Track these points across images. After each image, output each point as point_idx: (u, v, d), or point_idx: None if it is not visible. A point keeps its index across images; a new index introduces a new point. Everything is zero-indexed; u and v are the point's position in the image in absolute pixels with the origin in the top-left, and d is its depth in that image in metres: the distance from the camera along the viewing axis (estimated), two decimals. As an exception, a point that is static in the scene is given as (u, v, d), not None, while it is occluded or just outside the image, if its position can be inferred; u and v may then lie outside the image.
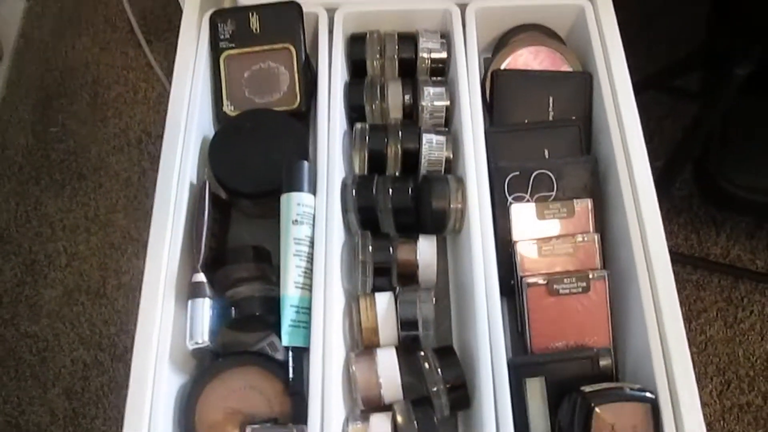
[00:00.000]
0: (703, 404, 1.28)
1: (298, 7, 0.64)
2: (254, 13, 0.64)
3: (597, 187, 0.58)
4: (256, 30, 0.64)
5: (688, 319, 1.33)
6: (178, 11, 1.74)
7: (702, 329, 1.32)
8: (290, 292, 0.53)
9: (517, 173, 0.58)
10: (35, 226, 1.41)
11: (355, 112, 0.63)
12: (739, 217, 1.37)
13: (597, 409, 0.46)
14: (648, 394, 0.48)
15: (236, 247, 0.58)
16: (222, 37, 0.64)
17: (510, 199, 0.57)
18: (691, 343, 1.34)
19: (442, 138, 0.60)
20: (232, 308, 0.54)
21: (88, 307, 1.33)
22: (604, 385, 0.49)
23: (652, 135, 1.43)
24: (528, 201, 0.57)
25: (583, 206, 0.56)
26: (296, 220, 0.54)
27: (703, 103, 0.89)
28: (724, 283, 1.35)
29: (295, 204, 0.55)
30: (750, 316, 1.32)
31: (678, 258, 1.33)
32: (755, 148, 0.94)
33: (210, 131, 0.64)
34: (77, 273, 1.36)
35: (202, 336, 0.52)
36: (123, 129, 1.50)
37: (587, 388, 0.48)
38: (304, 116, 0.64)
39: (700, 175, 0.97)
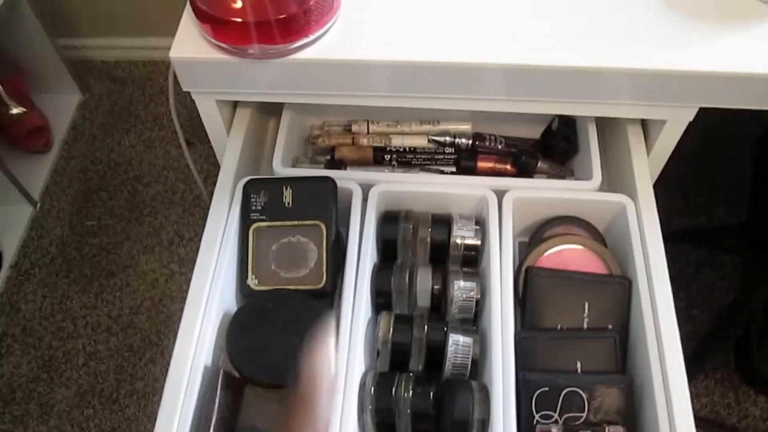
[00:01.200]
0: None
1: (333, 183, 0.63)
2: (288, 187, 0.64)
3: (631, 413, 0.54)
4: (288, 204, 0.63)
5: (724, 487, 1.24)
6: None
7: (739, 499, 1.23)
8: None
9: (546, 389, 0.54)
10: (58, 321, 1.41)
11: (381, 297, 0.61)
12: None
13: None
14: None
15: (244, 441, 0.55)
16: (254, 208, 0.63)
17: (537, 417, 0.54)
18: None
19: (469, 340, 0.57)
20: None
21: (99, 411, 1.30)
22: None
23: (690, 282, 1.39)
24: (556, 422, 0.54)
25: (616, 435, 0.53)
26: (308, 427, 0.52)
27: (744, 287, 0.85)
28: (765, 449, 1.27)
29: (309, 408, 0.52)
30: (792, 491, 1.23)
31: (710, 426, 1.24)
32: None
33: (231, 304, 0.62)
34: (93, 374, 1.34)
35: None
36: (156, 229, 1.51)
37: None
38: (329, 295, 0.62)
39: (740, 356, 0.91)
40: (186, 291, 0.59)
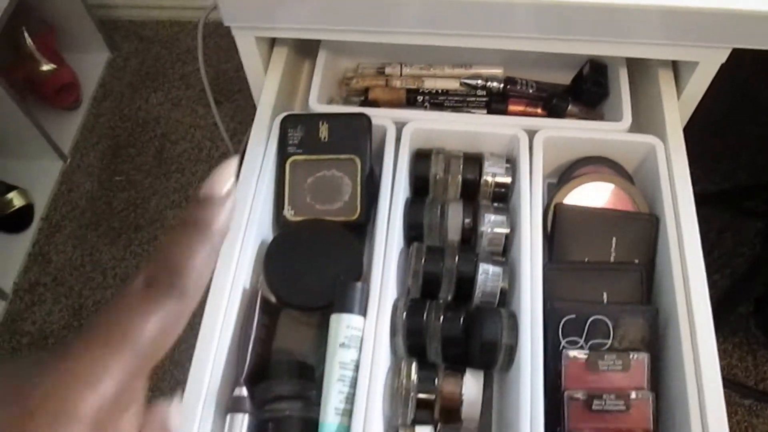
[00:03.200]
0: None
1: (368, 120, 0.65)
2: (324, 122, 0.65)
3: (655, 341, 0.56)
4: (324, 138, 0.65)
5: (738, 447, 1.26)
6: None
7: (753, 460, 1.24)
8: (329, 419, 0.52)
9: (573, 316, 0.56)
10: (88, 271, 1.45)
11: (413, 230, 0.63)
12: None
13: None
14: None
15: (280, 361, 0.57)
16: (290, 142, 0.65)
17: (563, 342, 0.56)
18: (740, 473, 1.27)
19: (498, 269, 0.59)
20: (270, 424, 0.53)
21: (128, 358, 1.34)
22: None
23: (711, 247, 1.39)
24: (582, 347, 0.56)
25: (640, 361, 0.54)
26: (344, 344, 0.54)
27: (765, 245, 0.86)
28: (780, 412, 1.28)
29: (345, 326, 0.54)
30: (806, 452, 1.24)
31: (728, 384, 1.26)
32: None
33: (268, 233, 0.64)
34: (122, 323, 1.38)
35: (237, 454, 0.51)
36: (183, 185, 1.54)
37: None
38: (362, 227, 0.64)
39: (760, 315, 0.92)
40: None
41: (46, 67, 1.59)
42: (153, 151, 1.59)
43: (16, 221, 1.50)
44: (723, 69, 0.62)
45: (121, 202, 1.53)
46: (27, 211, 1.51)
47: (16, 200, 1.50)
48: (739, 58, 0.61)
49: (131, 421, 0.23)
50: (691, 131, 0.70)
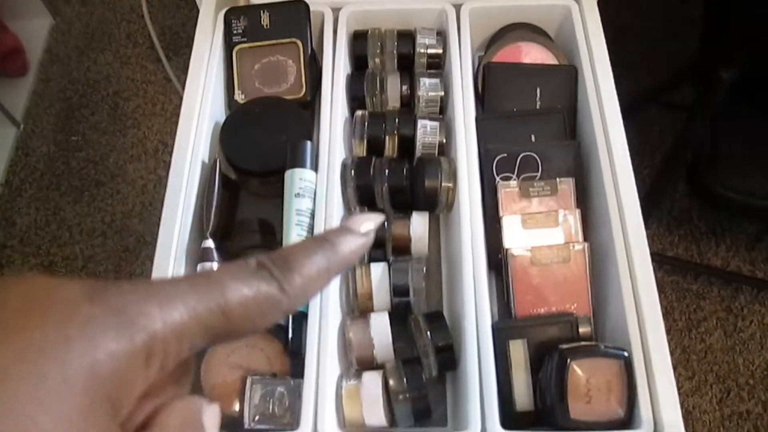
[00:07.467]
0: (703, 412, 1.29)
1: (306, 5, 0.69)
2: (265, 11, 0.69)
3: (580, 170, 0.62)
4: (266, 26, 0.69)
5: (688, 328, 1.35)
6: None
7: (702, 338, 1.34)
8: (291, 259, 0.57)
9: (505, 155, 0.62)
10: (54, 230, 1.46)
11: (356, 101, 0.68)
12: (736, 223, 1.40)
13: (573, 364, 0.50)
14: (623, 352, 0.51)
15: (243, 220, 0.62)
16: (235, 32, 0.69)
17: (498, 179, 0.62)
18: (691, 351, 1.36)
19: (435, 124, 0.64)
20: (238, 275, 0.58)
21: (102, 307, 1.37)
22: (582, 343, 0.52)
23: (654, 151, 1.47)
24: (514, 180, 0.62)
25: (566, 185, 0.60)
26: (298, 194, 0.59)
27: (693, 109, 0.93)
28: (724, 293, 1.38)
29: (298, 179, 0.59)
30: (750, 326, 1.34)
31: (678, 264, 1.36)
32: (744, 153, 0.98)
33: (222, 118, 0.69)
34: (93, 275, 1.41)
35: (209, 297, 0.56)
36: (140, 139, 1.56)
37: (565, 346, 0.51)
38: (309, 105, 0.69)
39: (694, 181, 1.00)
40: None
41: (-12, 36, 1.59)
42: (107, 110, 1.61)
43: (-24, 189, 1.50)
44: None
45: (80, 161, 1.55)
46: (-15, 179, 1.51)
47: (-27, 168, 1.50)
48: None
49: (176, 409, 0.21)
50: (622, 47, 0.75)
